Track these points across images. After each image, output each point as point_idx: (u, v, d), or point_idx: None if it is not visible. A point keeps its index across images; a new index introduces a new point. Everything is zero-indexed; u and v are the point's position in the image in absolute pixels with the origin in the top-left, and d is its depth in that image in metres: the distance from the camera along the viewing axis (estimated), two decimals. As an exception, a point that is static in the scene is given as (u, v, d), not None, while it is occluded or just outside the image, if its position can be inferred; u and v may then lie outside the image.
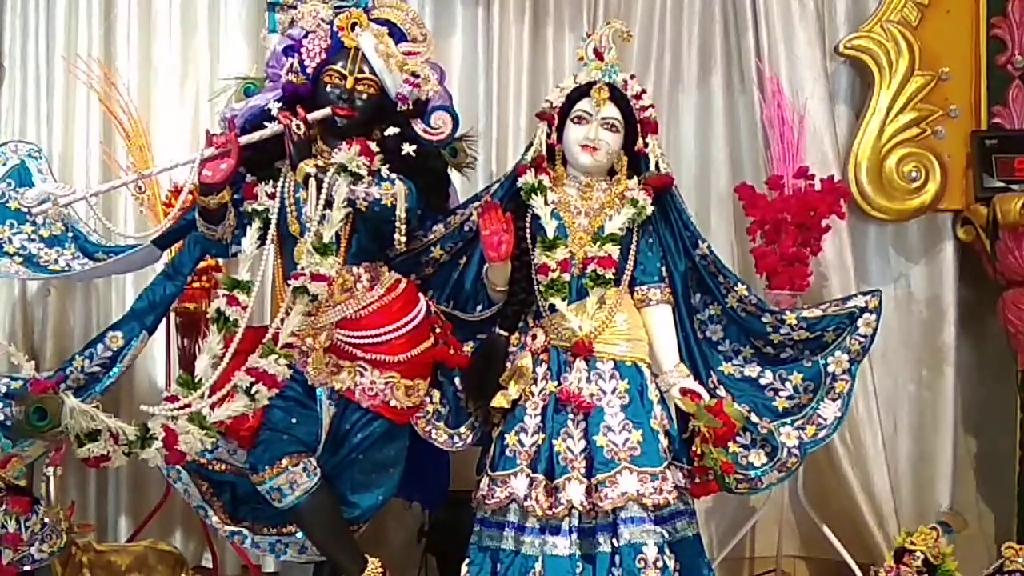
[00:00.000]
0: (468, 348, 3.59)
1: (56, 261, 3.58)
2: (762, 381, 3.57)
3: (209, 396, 3.26)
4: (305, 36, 3.45)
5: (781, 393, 3.55)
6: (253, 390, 3.28)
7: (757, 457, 3.53)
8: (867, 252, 4.67)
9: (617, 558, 3.28)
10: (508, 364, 3.48)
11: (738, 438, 3.48)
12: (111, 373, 3.50)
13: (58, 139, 4.40)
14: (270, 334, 3.34)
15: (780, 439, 3.51)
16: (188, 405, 3.22)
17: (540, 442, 3.37)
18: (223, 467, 3.44)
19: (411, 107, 3.45)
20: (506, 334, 3.52)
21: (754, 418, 3.51)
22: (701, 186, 4.59)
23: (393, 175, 3.41)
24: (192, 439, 3.19)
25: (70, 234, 3.62)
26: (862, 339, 3.53)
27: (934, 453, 4.63)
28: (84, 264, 3.61)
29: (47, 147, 4.22)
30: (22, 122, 4.41)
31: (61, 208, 3.40)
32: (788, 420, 3.53)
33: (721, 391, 3.54)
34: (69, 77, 4.36)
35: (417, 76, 3.45)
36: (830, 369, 3.53)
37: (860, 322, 3.53)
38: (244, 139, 3.35)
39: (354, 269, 3.45)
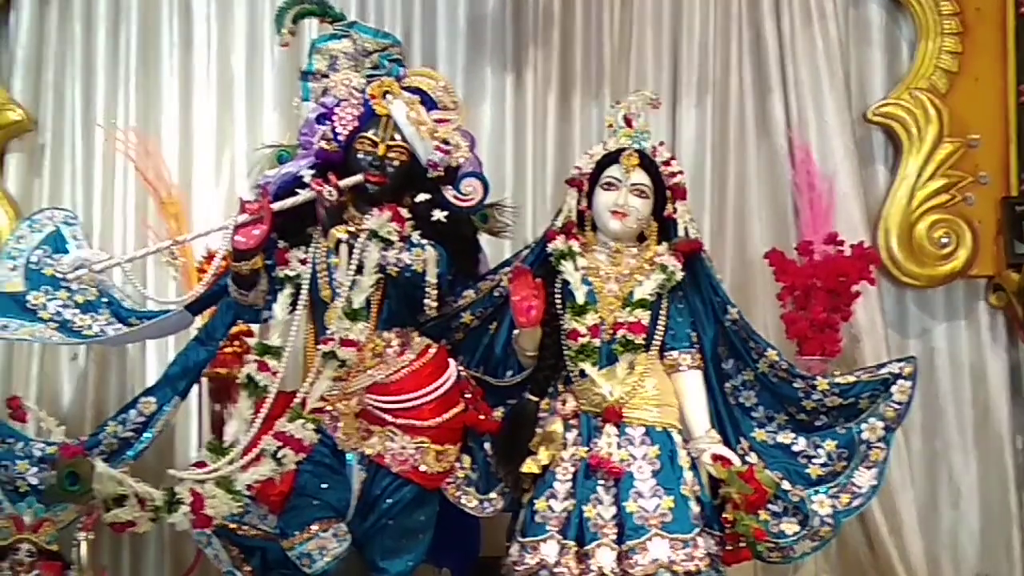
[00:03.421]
0: (498, 413, 3.58)
1: (90, 327, 3.58)
2: (795, 448, 3.53)
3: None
4: (337, 104, 3.48)
5: (814, 460, 3.51)
6: (280, 454, 3.28)
7: (789, 525, 3.47)
8: (901, 317, 4.65)
9: (648, 626, 3.24)
10: (538, 429, 3.47)
11: (770, 506, 3.43)
12: (143, 438, 3.53)
13: (96, 207, 4.45)
14: (298, 399, 3.35)
15: (812, 507, 3.45)
16: (216, 470, 3.23)
17: (570, 508, 3.34)
18: (253, 532, 3.42)
19: (442, 174, 3.47)
20: (536, 399, 3.51)
21: (786, 485, 3.47)
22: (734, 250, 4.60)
23: (424, 241, 3.43)
24: (219, 503, 3.19)
25: (104, 300, 3.61)
26: (897, 406, 3.49)
27: (971, 520, 4.59)
28: (118, 329, 3.61)
29: (84, 214, 4.28)
30: (58, 189, 4.47)
31: (96, 274, 3.45)
32: (822, 488, 3.48)
33: (752, 457, 3.51)
34: (107, 146, 4.43)
35: (448, 143, 3.47)
36: (864, 436, 3.47)
37: (894, 389, 3.49)
38: (277, 205, 3.38)
39: (385, 334, 3.45)
